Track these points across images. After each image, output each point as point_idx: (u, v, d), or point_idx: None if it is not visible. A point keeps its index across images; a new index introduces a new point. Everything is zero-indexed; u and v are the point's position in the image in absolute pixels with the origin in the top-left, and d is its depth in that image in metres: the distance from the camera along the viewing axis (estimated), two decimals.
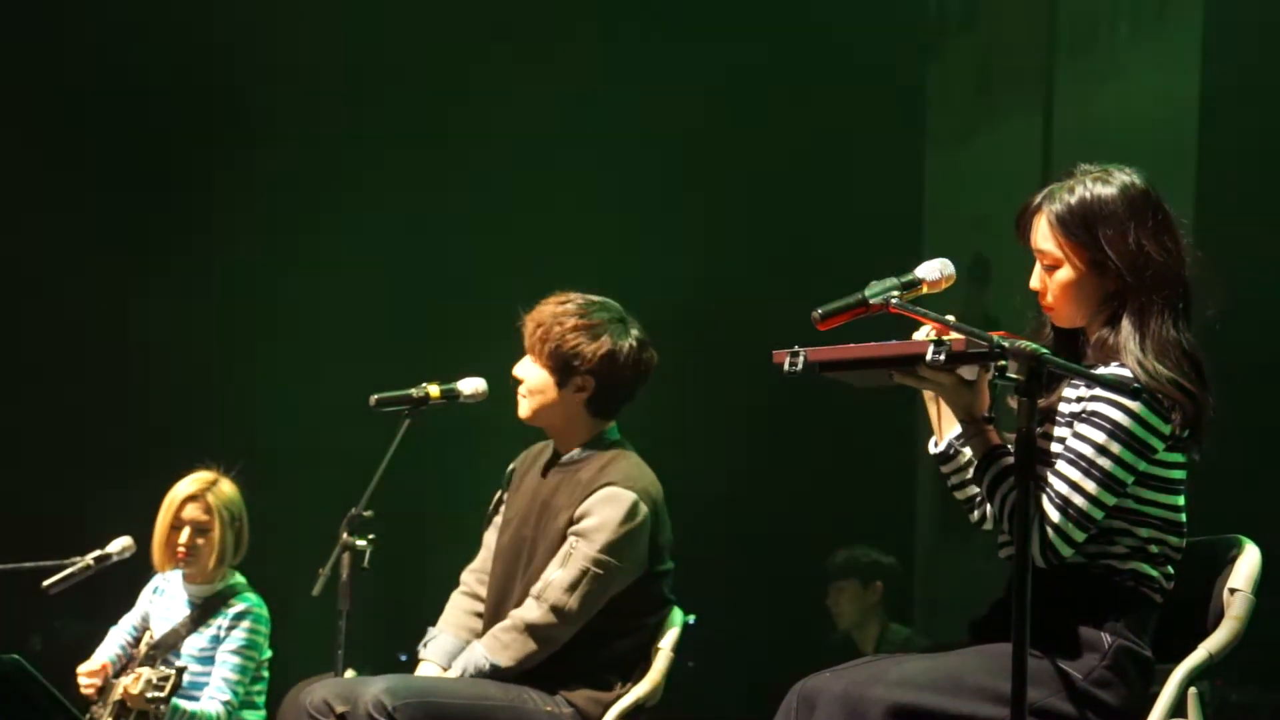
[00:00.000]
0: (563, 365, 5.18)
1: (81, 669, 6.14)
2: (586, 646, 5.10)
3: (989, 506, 3.87)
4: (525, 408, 5.28)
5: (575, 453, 5.27)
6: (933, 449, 4.04)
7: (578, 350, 5.17)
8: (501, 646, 5.08)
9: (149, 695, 5.82)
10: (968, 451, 4.00)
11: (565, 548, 5.12)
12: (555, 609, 5.05)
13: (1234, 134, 7.91)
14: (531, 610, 5.08)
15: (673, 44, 9.05)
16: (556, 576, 5.09)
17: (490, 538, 5.46)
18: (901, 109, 9.45)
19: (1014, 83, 9.20)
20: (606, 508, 5.10)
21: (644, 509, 5.11)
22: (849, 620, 8.27)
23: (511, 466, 5.49)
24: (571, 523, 5.14)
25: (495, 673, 5.06)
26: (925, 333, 3.81)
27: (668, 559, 5.23)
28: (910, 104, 9.54)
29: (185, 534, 6.26)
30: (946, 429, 4.03)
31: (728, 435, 8.82)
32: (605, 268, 8.33)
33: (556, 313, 5.19)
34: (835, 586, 8.32)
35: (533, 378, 5.23)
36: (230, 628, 6.25)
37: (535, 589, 5.12)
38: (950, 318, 3.73)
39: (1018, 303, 4.11)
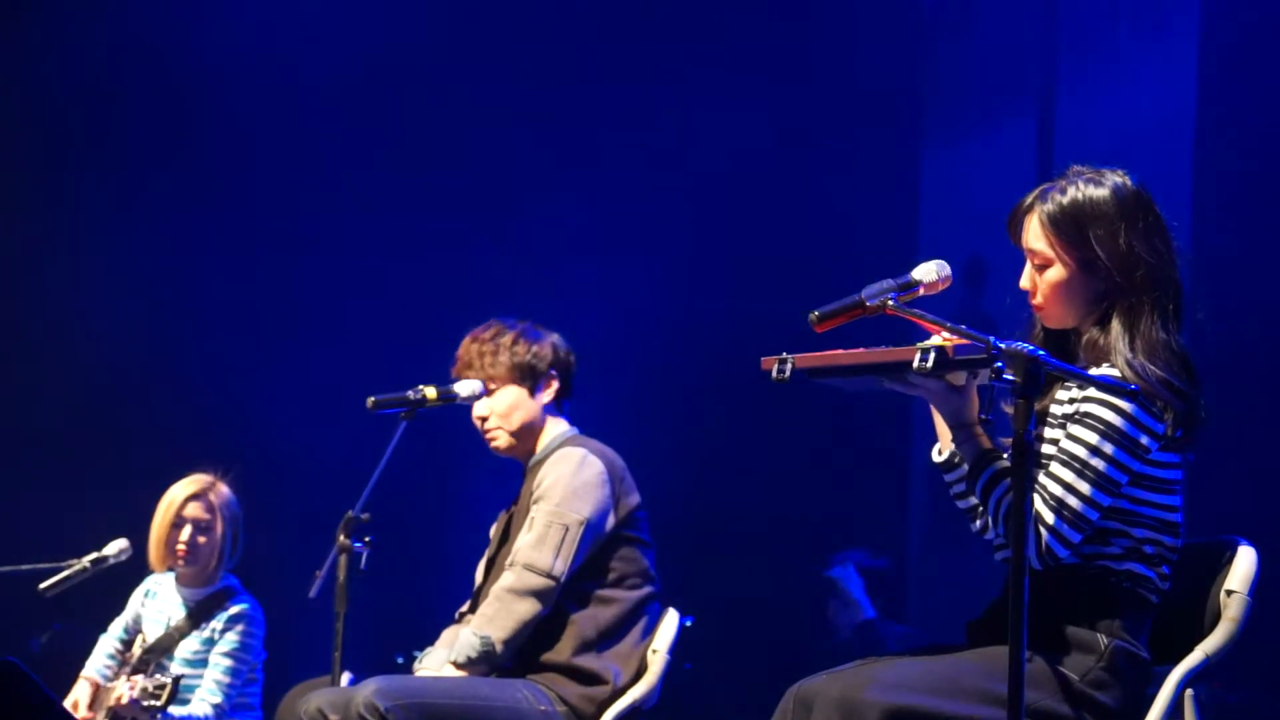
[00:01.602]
0: (529, 371, 5.35)
1: (68, 701, 6.13)
2: (585, 645, 5.12)
3: (984, 509, 3.87)
4: (504, 436, 5.39)
5: (538, 454, 5.38)
6: (936, 457, 4.03)
7: (535, 353, 5.35)
8: (487, 620, 5.10)
9: (145, 704, 5.83)
10: None
11: (530, 516, 5.21)
12: (528, 566, 5.12)
13: (1230, 136, 7.91)
14: (506, 577, 5.15)
15: (665, 43, 9.04)
16: (524, 541, 5.17)
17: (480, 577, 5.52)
18: (897, 109, 9.45)
19: (1011, 83, 9.19)
20: (558, 466, 5.24)
21: (596, 461, 5.23)
22: (849, 631, 8.28)
23: (493, 529, 5.56)
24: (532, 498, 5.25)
25: (490, 648, 5.06)
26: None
27: (639, 526, 5.29)
28: (906, 104, 9.53)
29: (187, 531, 6.26)
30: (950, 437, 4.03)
31: (723, 439, 8.81)
32: (600, 269, 8.36)
33: (489, 337, 5.38)
34: (832, 606, 8.33)
35: (503, 400, 5.35)
36: (224, 630, 6.24)
37: (508, 560, 5.18)
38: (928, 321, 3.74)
39: (1008, 304, 4.11)
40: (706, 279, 8.86)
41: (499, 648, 5.08)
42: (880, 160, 9.17)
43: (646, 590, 5.25)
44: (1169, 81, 8.28)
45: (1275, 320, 7.35)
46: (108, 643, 6.40)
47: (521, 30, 9.06)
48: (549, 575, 5.10)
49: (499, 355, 5.33)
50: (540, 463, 5.33)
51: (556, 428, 5.40)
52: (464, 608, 5.50)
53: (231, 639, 6.23)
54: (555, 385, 5.39)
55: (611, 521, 5.21)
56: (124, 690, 5.92)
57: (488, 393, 5.35)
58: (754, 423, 8.66)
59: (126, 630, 6.41)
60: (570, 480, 5.18)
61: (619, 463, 5.30)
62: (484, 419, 5.38)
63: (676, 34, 9.07)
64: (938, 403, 3.85)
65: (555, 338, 5.43)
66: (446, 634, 5.43)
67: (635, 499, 5.28)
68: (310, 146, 8.79)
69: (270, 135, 8.74)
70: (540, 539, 5.13)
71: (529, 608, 5.10)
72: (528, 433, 5.36)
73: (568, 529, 5.13)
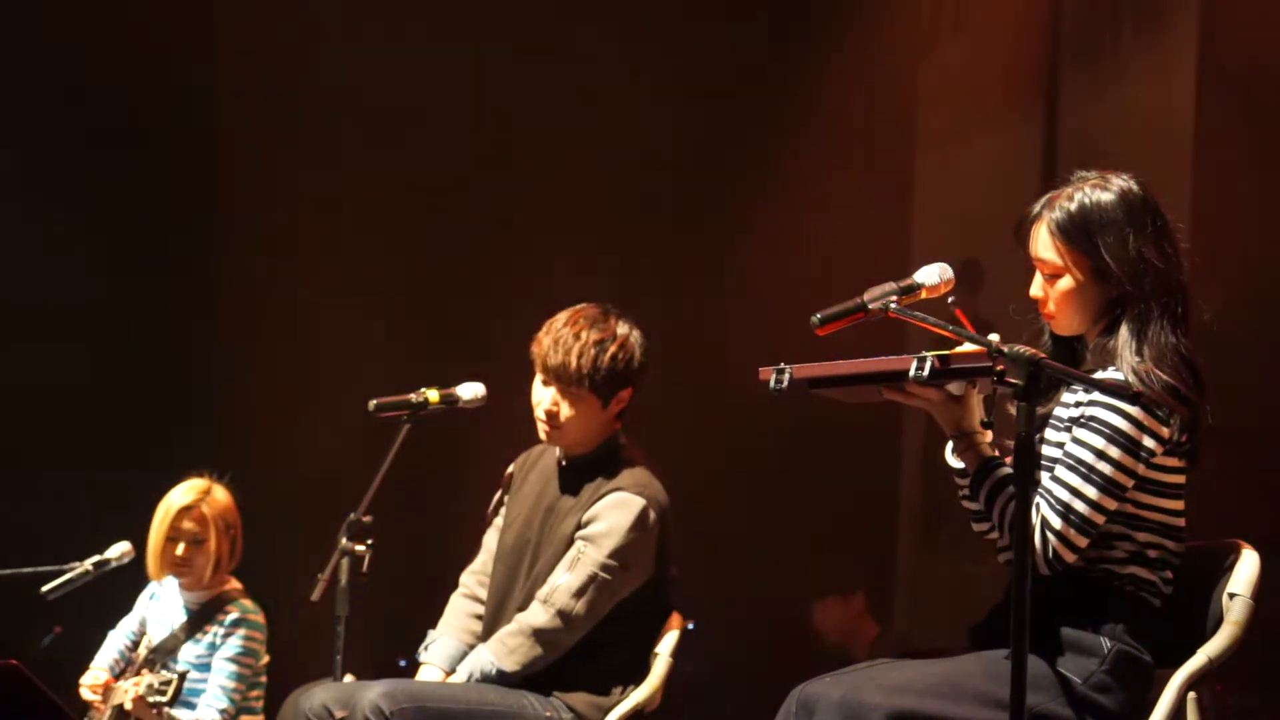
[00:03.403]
0: (610, 387, 5.16)
1: (84, 681, 6.15)
2: (590, 652, 5.10)
3: (988, 518, 3.87)
4: (560, 438, 5.22)
5: (586, 455, 5.26)
6: (951, 461, 4.03)
7: (626, 369, 5.17)
8: (507, 651, 5.07)
9: (151, 700, 5.84)
10: None
11: (573, 552, 5.11)
12: (562, 614, 5.06)
13: (1229, 139, 7.91)
14: (538, 615, 5.08)
15: (660, 42, 9.03)
16: (563, 581, 5.08)
17: (490, 539, 5.45)
18: (892, 111, 9.45)
19: (1009, 85, 9.19)
20: (615, 513, 5.10)
21: (653, 515, 5.11)
22: (837, 636, 8.28)
23: (510, 469, 5.48)
24: (579, 526, 5.14)
25: (501, 677, 5.06)
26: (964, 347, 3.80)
27: (674, 567, 5.24)
28: (901, 106, 9.53)
29: (181, 546, 6.26)
30: None
31: (725, 443, 8.82)
32: (597, 273, 8.36)
33: (593, 340, 5.15)
34: (817, 606, 8.34)
35: (575, 407, 5.17)
36: (226, 635, 6.25)
37: (542, 593, 5.11)
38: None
39: (1011, 311, 4.12)
40: (692, 284, 8.87)
41: (509, 677, 5.08)
42: (873, 160, 9.17)
43: (663, 620, 5.23)
44: (1168, 83, 8.28)
45: (1277, 321, 7.36)
46: (117, 638, 6.43)
47: (513, 33, 9.06)
48: (577, 627, 5.07)
49: (598, 366, 5.13)
50: (592, 473, 5.20)
51: (610, 430, 5.26)
52: (469, 579, 5.45)
53: (234, 644, 6.24)
54: (628, 398, 5.23)
55: (651, 571, 5.18)
56: (129, 687, 5.94)
57: (562, 390, 5.15)
58: (753, 427, 8.66)
59: (133, 631, 6.44)
60: (625, 535, 5.07)
61: (667, 505, 5.18)
62: (550, 414, 5.19)
63: (670, 34, 9.07)
64: (937, 412, 3.84)
65: (641, 344, 5.23)
66: (451, 609, 5.41)
67: (673, 539, 5.20)
68: (313, 148, 8.79)
69: (278, 132, 8.75)
70: (581, 589, 5.06)
71: (549, 652, 5.06)
72: (585, 437, 5.24)
73: (608, 584, 5.06)
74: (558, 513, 5.22)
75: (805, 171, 8.96)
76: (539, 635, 5.06)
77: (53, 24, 8.66)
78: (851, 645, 8.22)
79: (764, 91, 9.09)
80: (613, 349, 5.15)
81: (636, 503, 5.09)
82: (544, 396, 5.20)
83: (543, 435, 5.25)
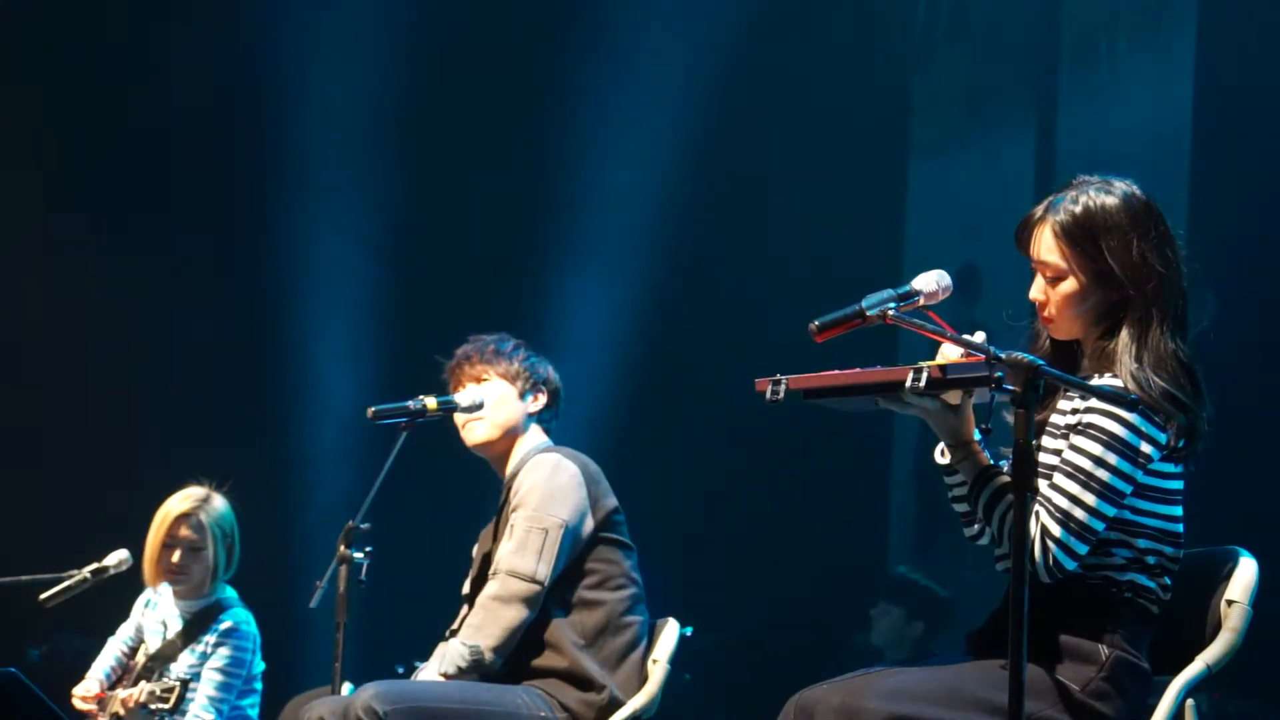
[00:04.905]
0: (517, 372, 5.40)
1: (76, 691, 6.15)
2: (553, 623, 5.14)
3: (987, 527, 3.87)
4: (484, 427, 5.42)
5: (513, 465, 5.41)
6: (939, 459, 4.03)
7: (533, 365, 5.44)
8: (475, 629, 5.12)
9: (153, 707, 5.86)
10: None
11: (509, 525, 5.24)
12: (511, 572, 5.14)
13: (1226, 144, 7.92)
14: (491, 585, 5.18)
15: (658, 49, 9.04)
16: (505, 549, 5.20)
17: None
18: (885, 119, 9.46)
19: (1004, 93, 9.20)
20: (533, 473, 5.27)
21: (569, 464, 5.26)
22: (883, 640, 8.22)
23: (475, 550, 5.57)
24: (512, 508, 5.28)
25: (479, 657, 5.07)
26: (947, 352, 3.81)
27: (618, 528, 5.32)
28: (894, 114, 9.54)
29: (178, 554, 6.27)
30: None
31: (720, 452, 8.82)
32: (595, 277, 8.37)
33: (493, 339, 5.47)
34: (882, 606, 8.25)
35: (492, 392, 5.39)
36: (217, 645, 6.25)
37: (491, 569, 5.21)
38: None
39: (1006, 316, 4.11)
40: (691, 290, 8.87)
41: (488, 656, 5.09)
42: (867, 168, 9.18)
43: (630, 591, 5.27)
44: (1165, 92, 8.29)
45: (1273, 327, 7.37)
46: (115, 645, 6.43)
47: (506, 40, 9.07)
48: (533, 580, 5.13)
49: (499, 355, 5.41)
50: (516, 474, 5.35)
51: (533, 440, 5.43)
52: (455, 625, 5.50)
53: (224, 654, 6.24)
54: (543, 399, 5.44)
55: (590, 524, 5.24)
56: (129, 694, 5.94)
57: (475, 379, 5.41)
58: (748, 435, 8.67)
59: (130, 638, 6.44)
60: (546, 484, 5.22)
61: (593, 466, 5.34)
62: (468, 410, 5.40)
63: (667, 39, 9.07)
64: (934, 422, 3.83)
65: (548, 362, 5.52)
66: (439, 651, 5.44)
67: (612, 501, 5.32)
68: (316, 150, 8.80)
69: (278, 131, 8.76)
70: (521, 545, 5.15)
71: (515, 614, 5.12)
72: (506, 432, 5.41)
73: (547, 532, 5.16)
74: (503, 521, 5.33)
75: (800, 179, 8.96)
76: (499, 599, 5.12)
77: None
78: (890, 655, 8.16)
79: (759, 100, 9.09)
80: (513, 344, 5.45)
81: (549, 458, 5.28)
82: (464, 392, 5.41)
83: (468, 438, 5.44)
